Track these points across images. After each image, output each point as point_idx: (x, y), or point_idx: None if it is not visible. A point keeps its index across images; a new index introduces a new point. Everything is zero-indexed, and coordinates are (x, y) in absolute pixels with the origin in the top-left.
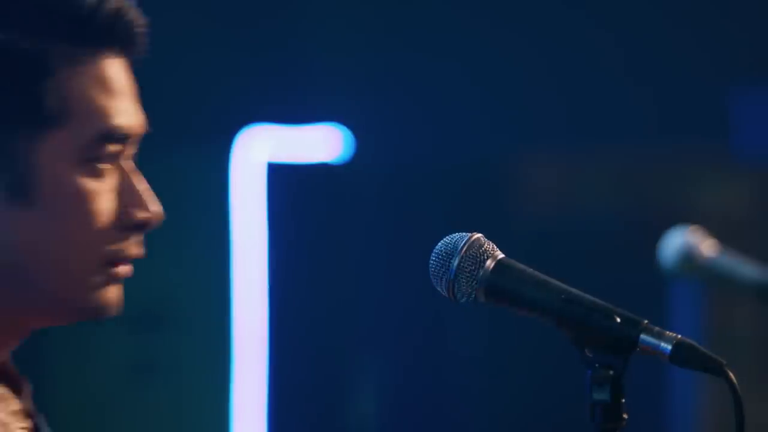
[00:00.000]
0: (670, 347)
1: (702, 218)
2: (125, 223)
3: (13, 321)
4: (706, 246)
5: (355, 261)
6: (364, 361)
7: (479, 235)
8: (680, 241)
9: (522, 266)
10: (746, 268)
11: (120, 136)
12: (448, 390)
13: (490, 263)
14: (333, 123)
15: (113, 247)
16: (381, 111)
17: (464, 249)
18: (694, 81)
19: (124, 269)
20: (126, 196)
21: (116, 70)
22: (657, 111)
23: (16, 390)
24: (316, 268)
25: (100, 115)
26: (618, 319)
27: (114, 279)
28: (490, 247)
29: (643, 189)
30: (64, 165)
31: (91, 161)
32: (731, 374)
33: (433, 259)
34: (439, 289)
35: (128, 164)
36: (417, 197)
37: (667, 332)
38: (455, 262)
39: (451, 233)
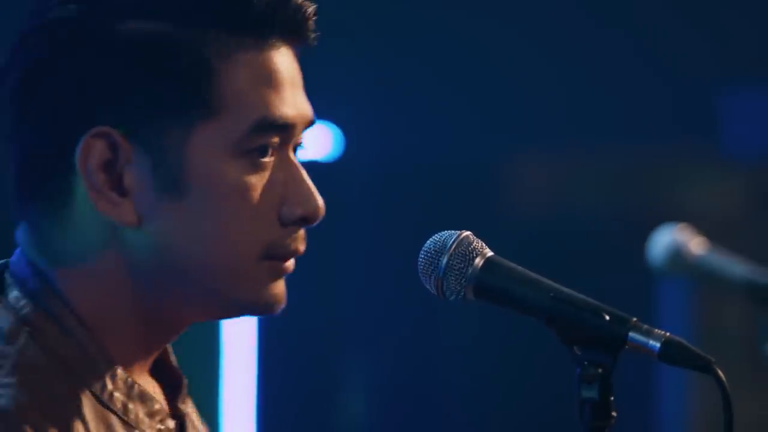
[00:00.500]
0: (658, 345)
1: (691, 216)
2: (287, 218)
3: (171, 316)
4: (695, 244)
5: (344, 258)
6: (353, 358)
7: (468, 233)
8: (669, 239)
9: (511, 264)
10: (735, 267)
11: (278, 126)
12: (438, 387)
13: (479, 261)
14: (323, 121)
15: (274, 241)
16: (370, 109)
17: (453, 247)
18: (684, 80)
19: (287, 264)
20: (288, 189)
21: (280, 59)
22: (646, 110)
23: (176, 387)
24: (304, 265)
25: (255, 106)
26: (607, 317)
27: (276, 273)
28: (479, 245)
29: (633, 187)
30: (218, 157)
31: (249, 153)
32: (720, 372)
33: (422, 257)
34: (428, 286)
35: (292, 157)
36: (406, 195)
37: (656, 330)
38: (444, 260)
39: (440, 231)
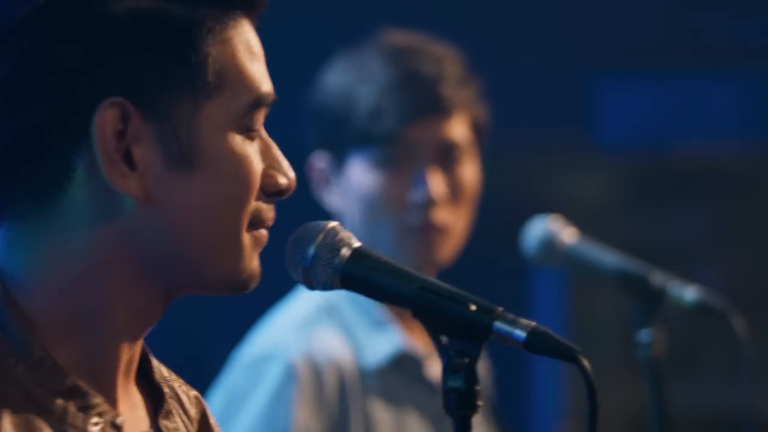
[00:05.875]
0: (524, 335)
1: (564, 206)
2: (270, 189)
3: (159, 297)
4: (567, 234)
5: None
6: (227, 354)
7: (336, 223)
8: (542, 229)
9: (378, 255)
10: (606, 256)
11: (267, 102)
12: None
13: (346, 252)
14: None
15: (259, 211)
16: None
17: (320, 237)
18: (557, 71)
19: (265, 235)
20: (269, 161)
21: (252, 34)
22: (519, 100)
23: (159, 402)
24: None
25: (251, 81)
26: (473, 307)
27: (258, 244)
28: (346, 235)
29: (506, 177)
30: (223, 132)
31: (246, 128)
32: (584, 361)
33: (289, 248)
34: (294, 277)
35: (264, 131)
36: None
37: (522, 320)
38: (311, 251)
39: (308, 221)
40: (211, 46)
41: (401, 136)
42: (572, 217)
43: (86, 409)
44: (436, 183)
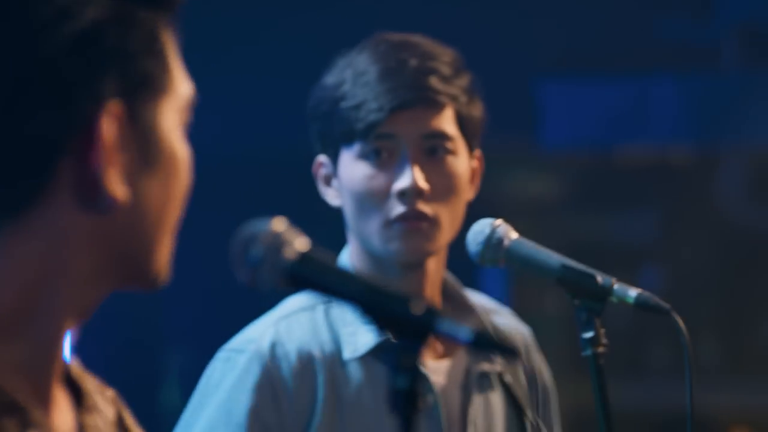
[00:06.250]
0: (467, 335)
1: (510, 207)
2: None
3: (109, 288)
4: (510, 235)
5: None
6: (171, 351)
7: (282, 220)
8: (486, 230)
9: (326, 254)
10: (550, 256)
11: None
12: None
13: (292, 252)
14: None
15: None
16: None
17: (265, 237)
18: (500, 72)
19: None
20: None
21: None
22: None
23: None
24: None
25: (185, 79)
26: (417, 307)
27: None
28: (293, 234)
29: None
30: (174, 128)
31: (182, 123)
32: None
33: (234, 248)
34: (239, 277)
35: None
36: (222, 184)
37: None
38: (256, 251)
39: (261, 218)
40: (162, 45)
41: (384, 128)
42: (518, 217)
43: (25, 425)
44: (419, 174)
